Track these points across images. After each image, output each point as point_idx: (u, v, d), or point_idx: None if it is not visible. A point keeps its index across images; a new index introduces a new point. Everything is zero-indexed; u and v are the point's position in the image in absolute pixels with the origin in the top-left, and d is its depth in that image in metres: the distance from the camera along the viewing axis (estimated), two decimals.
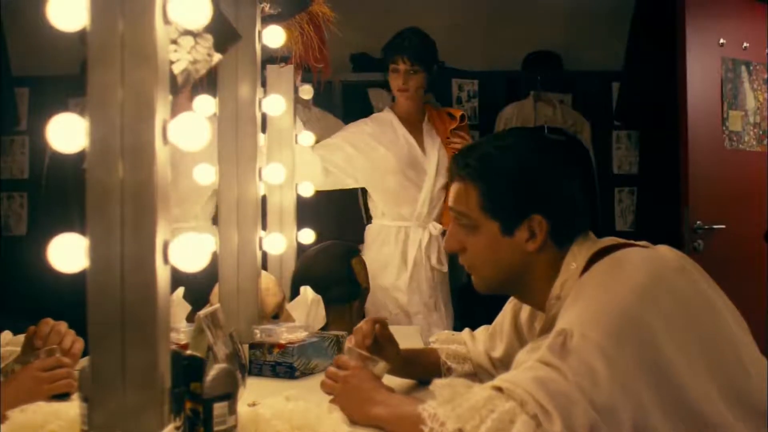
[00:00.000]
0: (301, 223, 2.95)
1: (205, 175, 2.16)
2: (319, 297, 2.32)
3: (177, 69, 1.28)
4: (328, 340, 2.08)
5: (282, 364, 1.98)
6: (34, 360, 1.63)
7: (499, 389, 1.28)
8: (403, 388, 1.86)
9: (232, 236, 2.11)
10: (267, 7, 2.18)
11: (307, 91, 2.95)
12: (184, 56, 1.29)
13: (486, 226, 1.53)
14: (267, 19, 2.21)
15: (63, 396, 1.59)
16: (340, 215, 4.20)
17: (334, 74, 4.72)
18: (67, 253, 1.18)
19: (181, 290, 2.20)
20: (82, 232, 1.17)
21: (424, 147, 3.52)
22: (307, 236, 2.90)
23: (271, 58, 2.72)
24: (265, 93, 2.85)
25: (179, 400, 1.26)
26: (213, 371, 1.31)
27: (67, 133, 1.19)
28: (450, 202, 1.61)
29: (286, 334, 2.00)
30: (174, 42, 1.25)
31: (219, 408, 1.30)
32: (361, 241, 4.30)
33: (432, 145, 3.51)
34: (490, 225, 1.53)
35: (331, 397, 1.60)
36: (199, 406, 1.29)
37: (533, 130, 4.00)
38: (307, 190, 2.95)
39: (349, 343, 1.75)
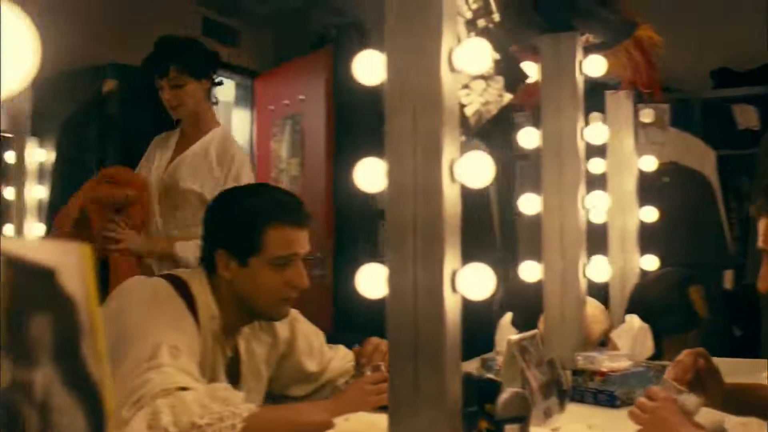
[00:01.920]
0: (647, 249, 2.90)
1: (530, 204, 2.24)
2: (647, 326, 2.27)
3: (469, 111, 1.38)
4: (654, 370, 2.03)
5: (603, 392, 1.97)
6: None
7: None
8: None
9: (556, 263, 2.16)
10: (590, 37, 2.20)
11: (647, 115, 2.90)
12: (475, 99, 1.38)
13: None
14: (591, 49, 2.24)
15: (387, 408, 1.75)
16: (695, 238, 4.01)
17: (693, 92, 4.55)
18: (372, 280, 1.34)
19: (509, 316, 2.29)
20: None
21: None
22: (651, 262, 2.84)
23: (608, 84, 2.74)
24: (605, 120, 2.87)
25: (473, 419, 1.35)
26: (505, 394, 1.38)
27: (370, 174, 1.35)
28: (761, 242, 1.49)
29: (607, 362, 2.00)
30: (466, 86, 1.35)
31: (510, 429, 1.37)
32: (727, 266, 4.05)
33: None
34: None
35: (639, 428, 1.58)
36: (492, 427, 1.37)
37: None
38: (650, 215, 2.89)
39: (668, 374, 1.71)
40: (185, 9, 4.85)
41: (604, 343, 2.25)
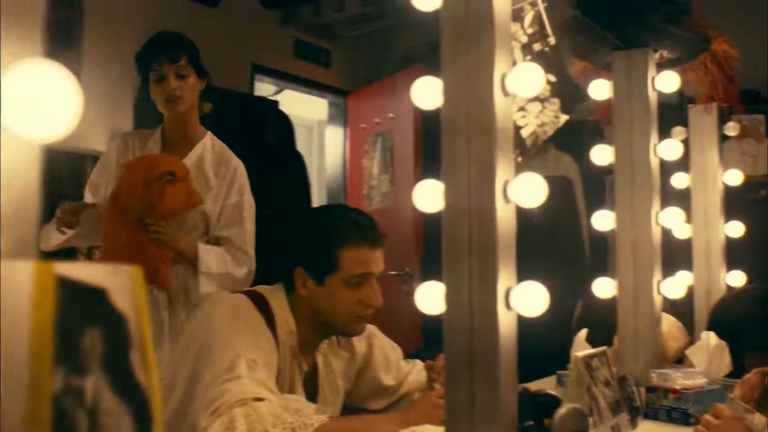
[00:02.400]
0: (734, 264, 2.86)
1: (603, 221, 2.24)
2: (723, 343, 2.23)
3: (525, 133, 1.42)
4: (730, 388, 2.01)
5: (677, 410, 1.96)
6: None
7: None
8: None
9: (629, 280, 2.15)
10: (664, 53, 2.20)
11: (732, 128, 2.86)
12: (531, 121, 1.42)
13: None
14: (666, 64, 2.23)
15: None
16: None
17: None
18: (431, 297, 1.39)
19: (584, 332, 2.29)
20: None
21: None
22: (737, 278, 2.80)
23: (690, 99, 2.72)
24: (689, 134, 2.85)
25: None
26: (562, 410, 1.40)
27: (429, 196, 1.40)
28: None
29: (681, 379, 1.99)
30: (522, 109, 1.40)
31: None
32: None
33: None
34: None
35: None
36: None
37: None
38: (736, 230, 2.84)
39: (735, 392, 1.70)
40: (277, 33, 5.03)
41: (682, 360, 2.23)
